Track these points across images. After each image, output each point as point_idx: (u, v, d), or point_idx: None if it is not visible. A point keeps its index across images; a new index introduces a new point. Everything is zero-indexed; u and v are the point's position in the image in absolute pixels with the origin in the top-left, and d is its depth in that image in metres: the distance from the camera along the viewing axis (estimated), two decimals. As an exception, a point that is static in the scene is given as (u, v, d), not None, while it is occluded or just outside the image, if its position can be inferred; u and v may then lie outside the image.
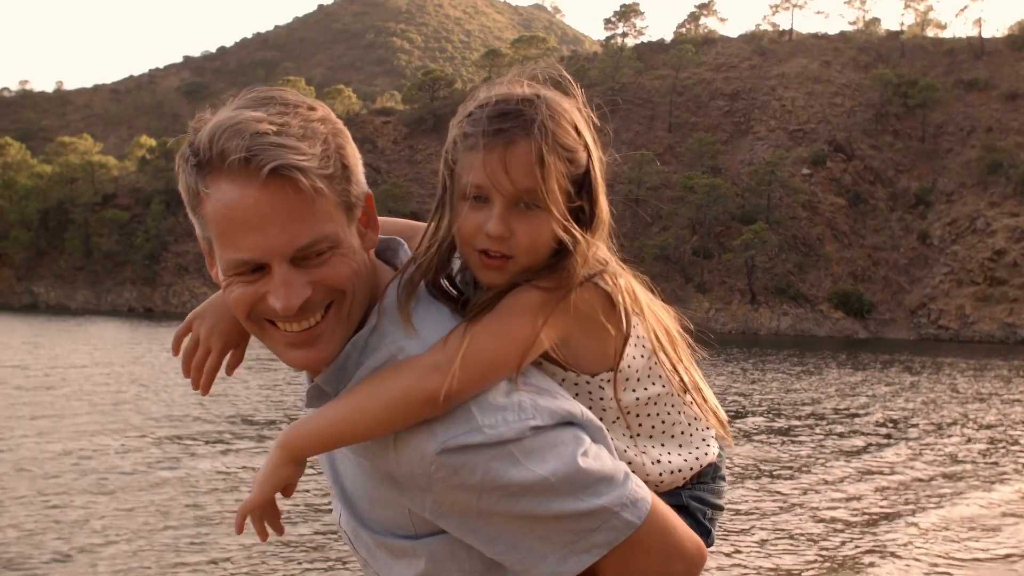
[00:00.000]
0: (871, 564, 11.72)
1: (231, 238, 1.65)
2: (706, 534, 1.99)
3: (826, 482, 16.94)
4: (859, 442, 21.83)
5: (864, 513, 14.61)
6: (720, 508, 2.07)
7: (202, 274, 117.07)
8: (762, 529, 13.15)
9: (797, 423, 24.57)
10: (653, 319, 1.92)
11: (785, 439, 21.73)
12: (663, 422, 1.97)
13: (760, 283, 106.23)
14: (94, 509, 13.25)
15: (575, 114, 1.85)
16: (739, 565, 11.36)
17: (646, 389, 1.93)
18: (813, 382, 38.22)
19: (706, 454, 2.01)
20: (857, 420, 25.72)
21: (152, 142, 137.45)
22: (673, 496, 1.97)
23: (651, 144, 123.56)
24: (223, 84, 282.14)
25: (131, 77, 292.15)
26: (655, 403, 1.95)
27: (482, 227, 1.76)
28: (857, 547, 12.59)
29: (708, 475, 2.04)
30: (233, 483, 15.46)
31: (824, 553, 12.18)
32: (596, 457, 1.71)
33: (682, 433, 1.99)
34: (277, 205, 1.62)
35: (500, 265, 1.79)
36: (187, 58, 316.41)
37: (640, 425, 1.94)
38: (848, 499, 15.61)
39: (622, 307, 1.83)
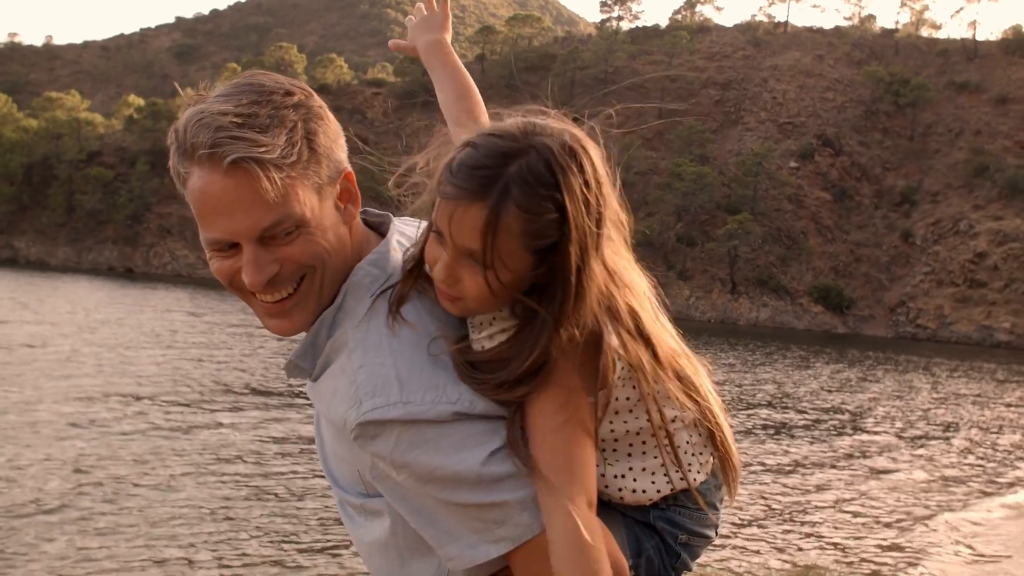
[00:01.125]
0: (837, 562, 11.80)
1: (205, 219, 1.80)
2: (674, 557, 1.97)
3: (802, 476, 17.03)
4: (841, 438, 21.95)
5: (844, 511, 14.71)
6: (702, 536, 2.02)
7: (184, 237, 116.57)
8: (734, 525, 13.22)
9: (775, 414, 24.67)
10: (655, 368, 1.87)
11: (762, 432, 21.81)
12: (631, 445, 1.94)
13: (742, 273, 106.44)
14: (83, 475, 13.21)
15: (569, 177, 1.73)
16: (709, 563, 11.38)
17: (625, 422, 1.91)
18: (793, 375, 38.38)
19: (681, 479, 1.97)
20: (838, 415, 25.85)
21: (140, 102, 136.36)
22: (642, 512, 1.97)
23: (641, 129, 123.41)
24: (214, 47, 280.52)
25: (122, 35, 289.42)
26: (633, 434, 1.93)
27: (435, 264, 1.80)
28: (829, 545, 12.67)
29: (689, 500, 1.99)
30: (221, 447, 15.46)
31: (796, 550, 12.26)
32: (508, 454, 1.77)
33: (655, 458, 1.96)
34: (241, 192, 1.75)
35: (452, 301, 1.82)
36: (179, 19, 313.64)
37: (612, 446, 1.94)
38: (825, 495, 15.70)
39: (609, 373, 1.80)
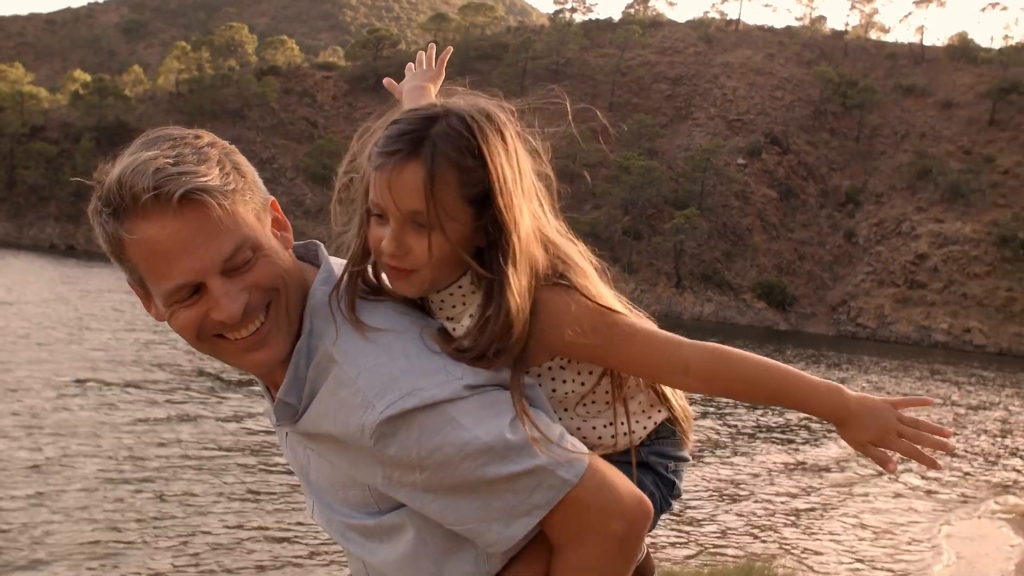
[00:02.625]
0: (785, 553, 11.93)
1: (162, 270, 1.75)
2: (670, 486, 2.09)
3: (747, 470, 17.20)
4: (786, 436, 22.16)
5: (783, 503, 14.87)
6: (684, 459, 2.14)
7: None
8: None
9: (714, 411, 24.87)
10: None
11: (712, 427, 22.00)
12: (607, 392, 2.03)
13: (687, 268, 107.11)
14: (29, 454, 13.05)
15: (484, 126, 1.86)
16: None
17: (584, 383, 2.01)
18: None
19: (658, 412, 2.11)
20: (783, 414, 26.09)
21: (87, 77, 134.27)
22: (635, 453, 2.07)
23: (590, 121, 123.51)
24: (162, 24, 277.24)
25: (68, 9, 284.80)
26: (595, 392, 2.03)
27: (381, 242, 1.84)
28: (774, 537, 12.81)
29: (665, 430, 2.12)
30: (158, 429, 15.33)
31: (742, 541, 12.37)
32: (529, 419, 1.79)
33: (623, 411, 2.06)
34: (195, 227, 1.73)
35: (406, 277, 1.87)
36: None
37: (592, 398, 2.03)
38: (770, 490, 15.86)
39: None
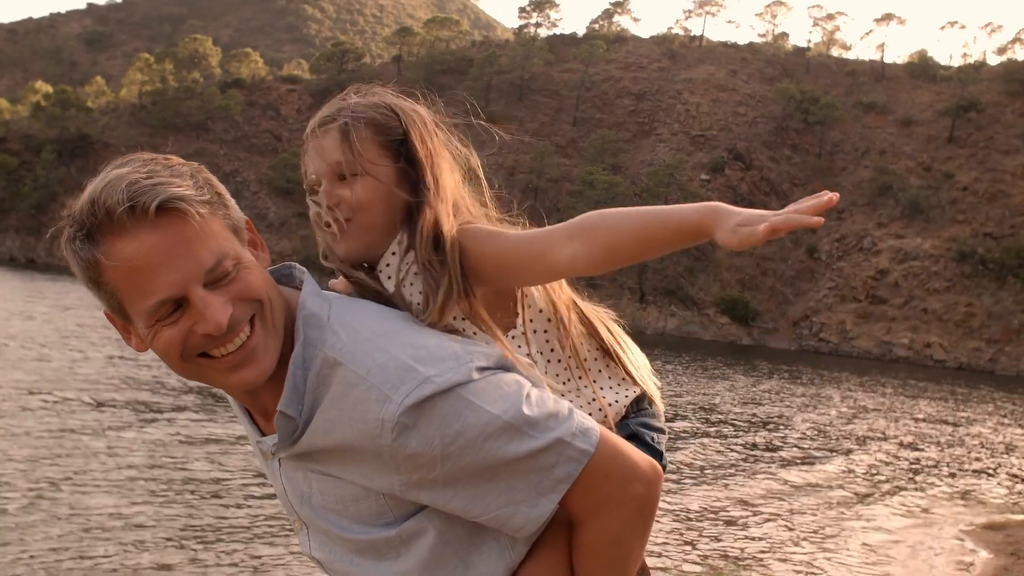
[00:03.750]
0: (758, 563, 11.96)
1: (142, 287, 1.70)
2: (658, 456, 2.11)
3: (720, 482, 17.24)
4: (757, 447, 22.25)
5: (753, 512, 14.91)
6: (663, 431, 2.23)
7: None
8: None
9: (694, 424, 24.96)
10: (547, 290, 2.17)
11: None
12: (585, 360, 2.18)
13: (650, 283, 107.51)
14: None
15: (386, 97, 2.07)
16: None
17: (549, 360, 2.15)
18: (708, 385, 38.83)
19: (635, 384, 2.23)
20: (753, 425, 26.21)
21: (48, 88, 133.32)
22: (621, 428, 2.15)
23: (555, 136, 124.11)
24: (126, 36, 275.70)
25: (30, 19, 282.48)
26: (586, 350, 2.20)
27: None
28: (743, 545, 12.84)
29: (644, 402, 2.23)
30: (123, 444, 15.19)
31: (708, 550, 12.39)
32: (539, 396, 1.81)
33: (599, 372, 2.20)
34: (174, 238, 1.69)
35: (342, 229, 1.98)
36: (91, 5, 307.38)
37: (577, 372, 2.17)
38: (743, 501, 15.91)
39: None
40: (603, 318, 2.25)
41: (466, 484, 1.76)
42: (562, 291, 2.19)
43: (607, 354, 2.21)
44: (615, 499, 1.80)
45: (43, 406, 17.68)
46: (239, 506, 12.24)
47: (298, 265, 2.03)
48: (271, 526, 11.38)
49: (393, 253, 2.02)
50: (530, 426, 1.75)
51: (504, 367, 1.84)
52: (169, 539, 10.54)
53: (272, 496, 11.89)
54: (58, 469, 13.09)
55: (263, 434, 1.94)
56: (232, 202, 1.88)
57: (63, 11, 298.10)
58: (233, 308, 1.74)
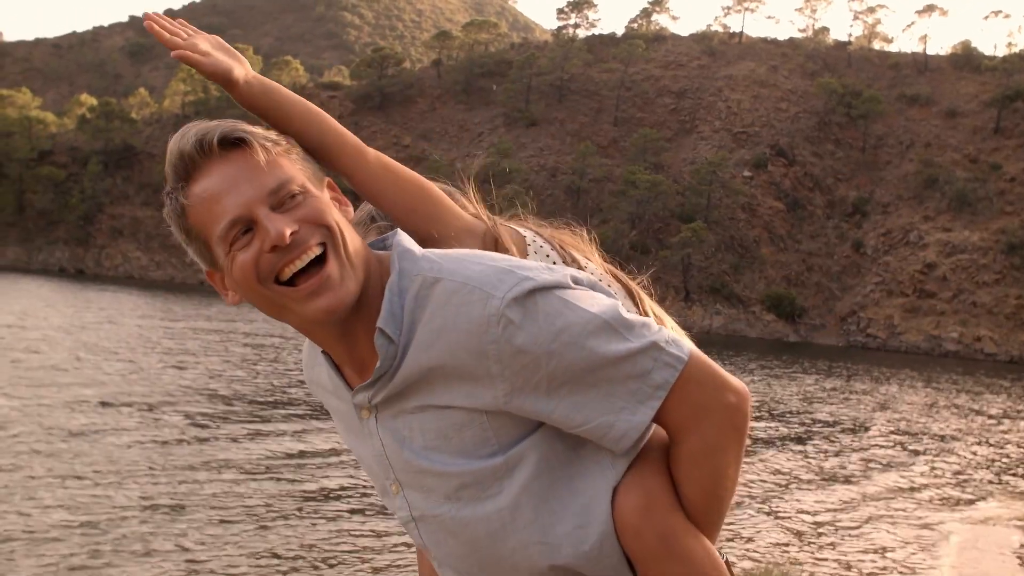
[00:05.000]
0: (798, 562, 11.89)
1: (214, 213, 1.80)
2: None
3: (781, 485, 17.15)
4: (818, 446, 22.12)
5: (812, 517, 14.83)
6: None
7: (136, 238, 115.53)
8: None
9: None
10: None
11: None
12: None
13: (695, 281, 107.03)
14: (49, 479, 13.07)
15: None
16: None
17: None
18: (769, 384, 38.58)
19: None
20: (817, 424, 26.05)
21: (93, 101, 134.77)
22: None
23: (596, 136, 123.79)
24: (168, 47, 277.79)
25: (74, 33, 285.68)
26: None
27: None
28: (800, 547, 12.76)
29: None
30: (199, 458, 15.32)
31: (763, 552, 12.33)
32: (630, 311, 1.88)
33: None
34: (239, 166, 1.80)
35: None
36: (132, 17, 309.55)
37: None
38: (802, 504, 15.81)
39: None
40: (637, 289, 2.45)
41: (569, 390, 1.78)
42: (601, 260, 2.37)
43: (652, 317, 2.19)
44: (710, 407, 1.82)
45: (139, 418, 17.88)
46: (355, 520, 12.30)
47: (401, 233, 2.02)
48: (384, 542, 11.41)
49: None
50: (627, 329, 1.79)
51: (593, 286, 1.88)
52: (277, 555, 10.62)
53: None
54: (171, 482, 13.24)
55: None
56: (311, 160, 1.96)
57: (106, 24, 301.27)
58: (299, 228, 1.80)
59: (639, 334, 1.81)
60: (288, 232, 1.78)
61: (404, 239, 1.94)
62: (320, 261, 1.82)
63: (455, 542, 1.94)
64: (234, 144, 1.81)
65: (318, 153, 2.08)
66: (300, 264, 1.80)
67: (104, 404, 19.07)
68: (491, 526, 1.89)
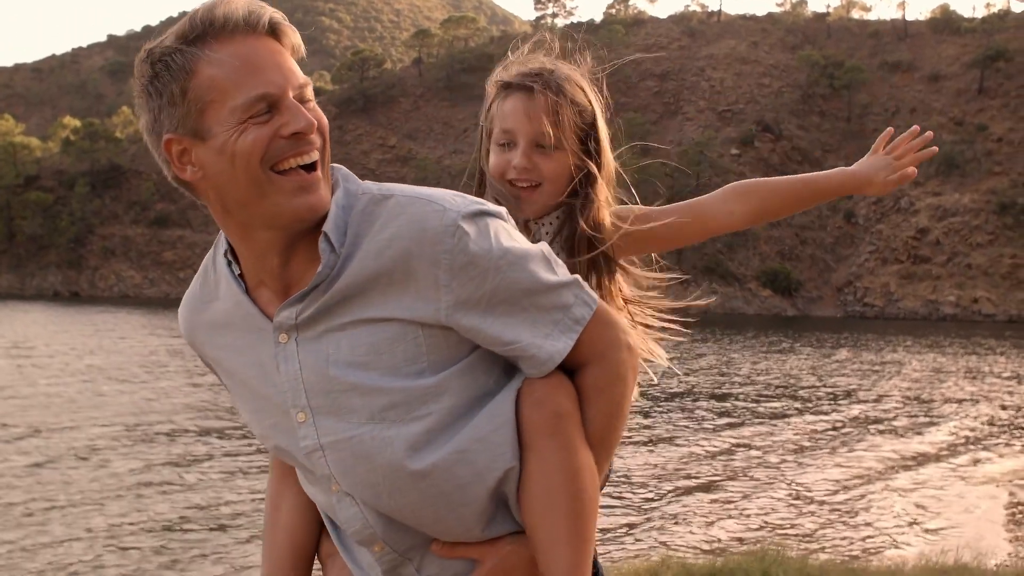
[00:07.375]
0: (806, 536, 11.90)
1: (245, 80, 1.78)
2: None
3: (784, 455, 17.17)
4: (818, 417, 22.13)
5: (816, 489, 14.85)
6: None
7: (128, 257, 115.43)
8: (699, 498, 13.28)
9: (743, 402, 24.83)
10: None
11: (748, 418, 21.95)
12: None
13: (689, 261, 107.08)
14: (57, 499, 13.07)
15: (583, 81, 2.38)
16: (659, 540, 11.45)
17: None
18: (763, 359, 38.65)
19: None
20: (813, 396, 26.05)
21: (77, 122, 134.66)
22: None
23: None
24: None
25: (53, 56, 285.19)
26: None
27: (511, 163, 2.27)
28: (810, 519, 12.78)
29: None
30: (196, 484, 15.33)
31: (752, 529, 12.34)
32: None
33: None
34: (280, 50, 1.83)
35: (529, 195, 2.30)
36: (111, 37, 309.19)
37: None
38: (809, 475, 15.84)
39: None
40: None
41: (504, 310, 1.87)
42: None
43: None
44: (615, 344, 1.95)
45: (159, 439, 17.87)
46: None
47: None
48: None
49: (548, 223, 2.37)
50: (556, 264, 1.93)
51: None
52: None
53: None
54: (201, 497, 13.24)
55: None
56: None
57: (85, 45, 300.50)
58: (316, 122, 1.85)
59: (564, 272, 1.94)
60: (315, 124, 1.83)
61: (345, 168, 1.97)
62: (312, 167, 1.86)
63: (367, 467, 1.91)
64: (276, 31, 1.84)
65: None
66: (307, 160, 1.83)
67: (134, 426, 19.08)
68: (414, 447, 1.89)
